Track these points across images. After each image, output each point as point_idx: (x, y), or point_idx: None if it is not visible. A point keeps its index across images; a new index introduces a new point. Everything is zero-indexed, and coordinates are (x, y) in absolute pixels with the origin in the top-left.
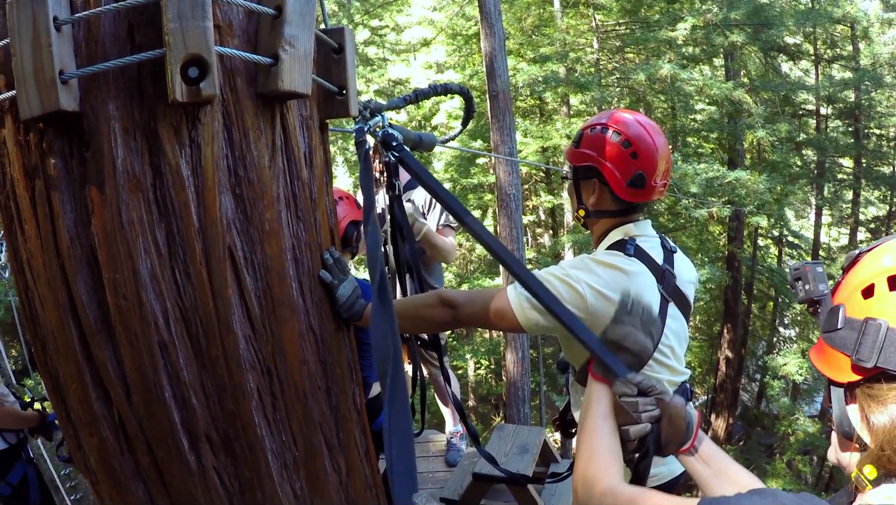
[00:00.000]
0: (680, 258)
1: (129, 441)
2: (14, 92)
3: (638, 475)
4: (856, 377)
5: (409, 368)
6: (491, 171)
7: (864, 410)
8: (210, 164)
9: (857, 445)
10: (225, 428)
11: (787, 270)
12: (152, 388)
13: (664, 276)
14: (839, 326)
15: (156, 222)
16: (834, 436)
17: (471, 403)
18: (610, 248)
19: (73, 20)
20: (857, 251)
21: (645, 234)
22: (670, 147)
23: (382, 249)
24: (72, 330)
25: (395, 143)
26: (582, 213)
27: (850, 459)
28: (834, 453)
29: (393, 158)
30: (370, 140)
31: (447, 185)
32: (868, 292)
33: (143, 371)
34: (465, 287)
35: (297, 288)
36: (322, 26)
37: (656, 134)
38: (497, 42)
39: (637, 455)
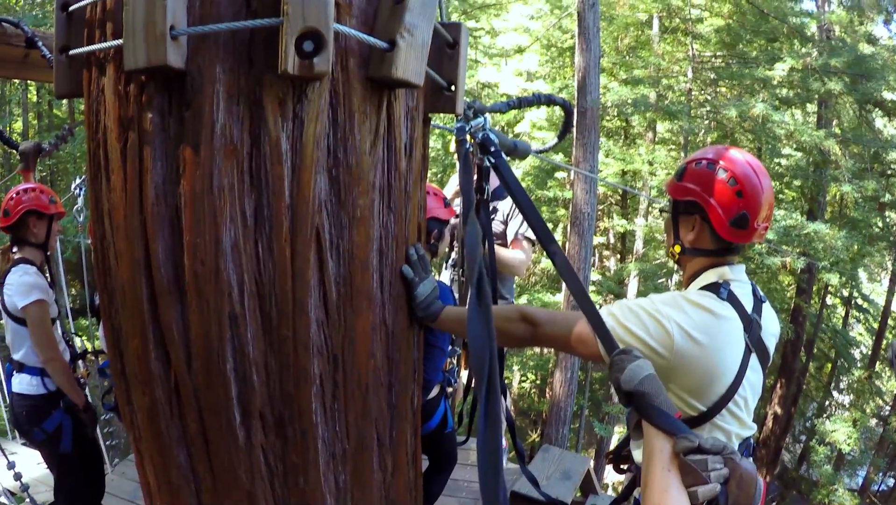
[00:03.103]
0: (767, 309)
1: (180, 406)
2: (120, 41)
3: None
4: None
5: (465, 374)
6: (568, 186)
7: None
8: (311, 142)
9: None
10: (280, 409)
11: (887, 348)
12: (215, 357)
13: (752, 325)
14: None
15: (246, 192)
16: None
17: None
18: (703, 288)
19: None
20: None
21: (739, 279)
22: None
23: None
24: (143, 287)
25: (493, 149)
26: (678, 248)
27: None
28: None
29: (489, 163)
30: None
31: None
32: None
33: (209, 339)
34: (524, 299)
35: (378, 279)
36: (439, 20)
37: (763, 175)
38: (592, 58)
39: None
